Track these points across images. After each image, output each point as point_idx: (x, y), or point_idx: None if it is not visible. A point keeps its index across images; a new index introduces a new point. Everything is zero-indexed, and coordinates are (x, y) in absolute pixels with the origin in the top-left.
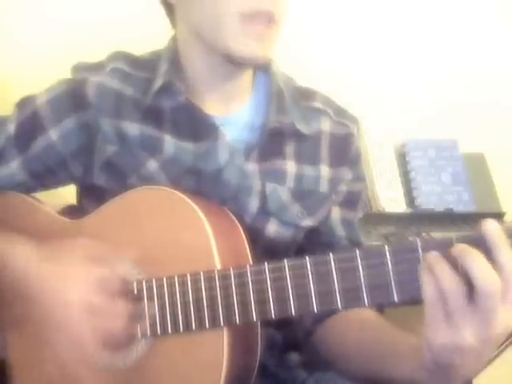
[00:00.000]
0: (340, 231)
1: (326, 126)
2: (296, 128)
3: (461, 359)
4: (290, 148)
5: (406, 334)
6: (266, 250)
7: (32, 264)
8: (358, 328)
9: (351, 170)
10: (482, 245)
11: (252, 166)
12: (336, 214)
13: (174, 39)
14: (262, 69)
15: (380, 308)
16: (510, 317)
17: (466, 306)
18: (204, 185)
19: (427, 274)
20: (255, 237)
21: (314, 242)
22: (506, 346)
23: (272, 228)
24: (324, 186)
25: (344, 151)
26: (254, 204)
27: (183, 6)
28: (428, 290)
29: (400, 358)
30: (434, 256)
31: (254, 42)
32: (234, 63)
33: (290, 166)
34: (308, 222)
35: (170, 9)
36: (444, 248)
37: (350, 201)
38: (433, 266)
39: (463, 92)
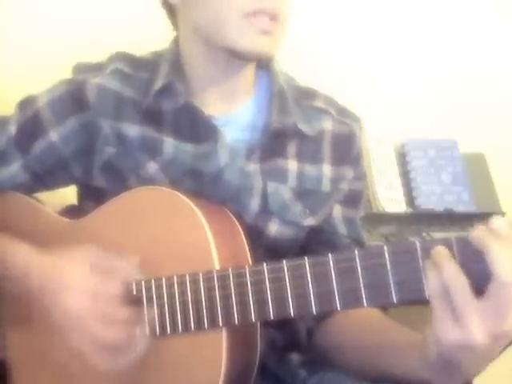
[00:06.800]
0: (342, 229)
1: (328, 125)
2: (298, 128)
3: (468, 356)
4: (291, 148)
5: (409, 331)
6: (268, 249)
7: (33, 263)
8: (359, 326)
9: (353, 168)
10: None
11: (253, 167)
12: (338, 212)
13: (176, 41)
14: (264, 68)
15: (383, 307)
16: None
17: (475, 302)
18: (204, 186)
19: (432, 269)
20: (257, 236)
21: (316, 241)
22: (507, 346)
23: (274, 227)
24: (326, 185)
25: (346, 150)
26: (255, 204)
27: (186, 6)
28: (433, 287)
29: (403, 356)
30: (440, 252)
31: (257, 35)
32: (239, 58)
33: (292, 165)
34: (310, 222)
35: (171, 10)
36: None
37: (352, 199)
38: (438, 262)
39: (463, 92)
